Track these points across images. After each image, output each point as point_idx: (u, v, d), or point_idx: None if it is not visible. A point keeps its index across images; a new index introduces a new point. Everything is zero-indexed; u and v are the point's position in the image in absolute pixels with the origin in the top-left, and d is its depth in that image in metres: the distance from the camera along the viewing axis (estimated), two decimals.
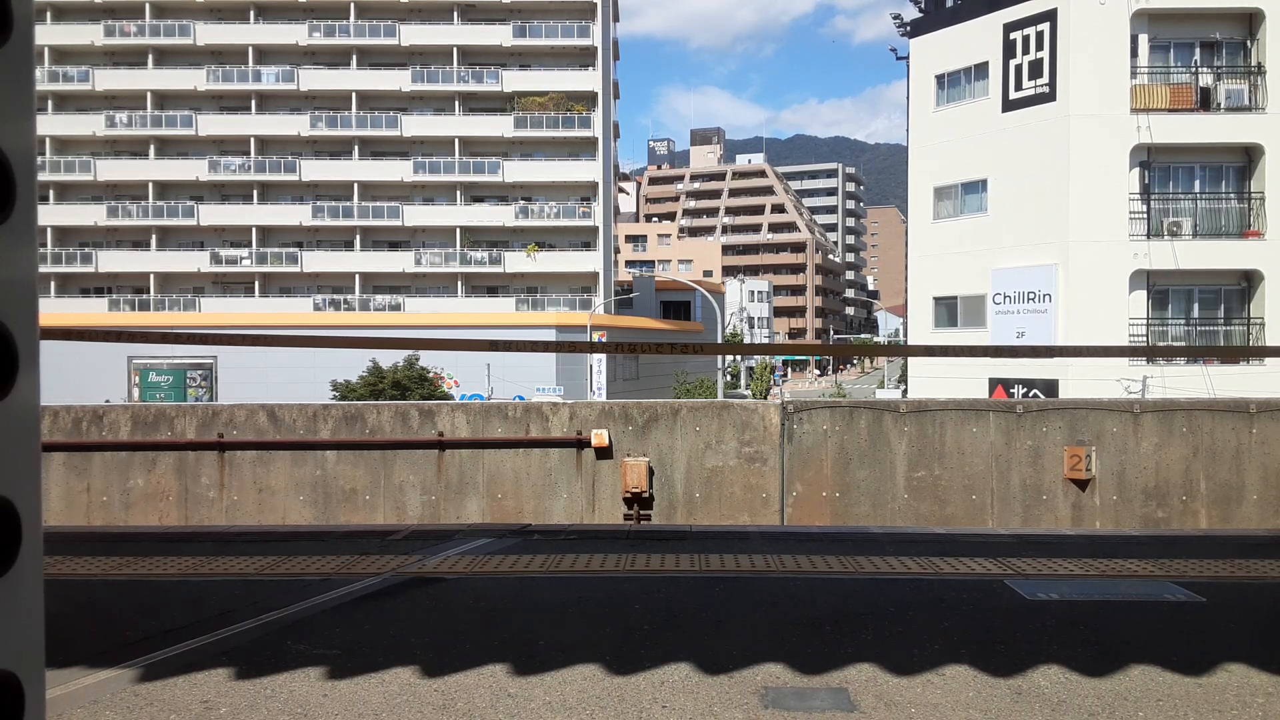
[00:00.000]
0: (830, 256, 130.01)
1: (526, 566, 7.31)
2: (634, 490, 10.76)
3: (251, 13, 55.36)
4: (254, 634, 5.55)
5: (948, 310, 29.33)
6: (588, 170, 55.23)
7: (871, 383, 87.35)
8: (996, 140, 27.92)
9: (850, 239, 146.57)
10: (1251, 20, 26.02)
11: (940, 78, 29.85)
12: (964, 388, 24.32)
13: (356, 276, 54.83)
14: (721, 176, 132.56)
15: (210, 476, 11.22)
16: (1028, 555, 7.63)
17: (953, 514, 10.82)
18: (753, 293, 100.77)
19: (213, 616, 5.93)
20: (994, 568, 7.16)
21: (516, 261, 54.87)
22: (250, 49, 54.97)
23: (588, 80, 55.53)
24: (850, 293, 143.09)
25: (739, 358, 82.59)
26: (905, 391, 36.72)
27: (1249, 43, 26.14)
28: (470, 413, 11.36)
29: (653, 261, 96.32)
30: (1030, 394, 25.65)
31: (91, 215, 54.27)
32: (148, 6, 55.20)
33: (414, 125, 55.33)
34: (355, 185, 55.14)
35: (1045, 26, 26.76)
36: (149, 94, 54.79)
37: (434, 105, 56.07)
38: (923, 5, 31.12)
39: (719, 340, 60.41)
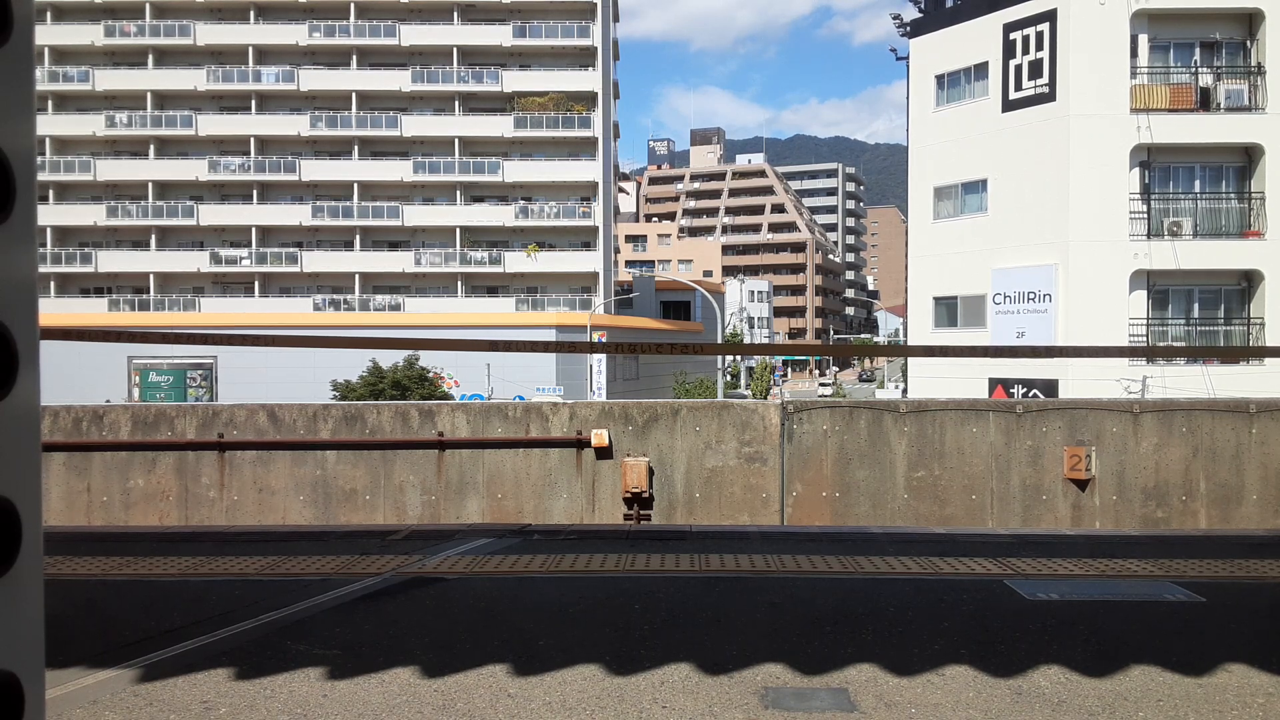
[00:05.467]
0: (830, 256, 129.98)
1: (526, 566, 7.31)
2: (634, 490, 10.76)
3: (251, 13, 55.35)
4: (254, 634, 5.55)
5: (948, 310, 29.32)
6: (588, 170, 55.23)
7: (871, 382, 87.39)
8: (996, 140, 27.91)
9: (850, 239, 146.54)
10: (1251, 20, 26.01)
11: (940, 78, 29.84)
12: (964, 388, 24.32)
13: (356, 276, 54.83)
14: (721, 176, 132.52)
15: (210, 476, 11.21)
16: (1028, 555, 7.63)
17: (953, 514, 10.81)
18: (753, 293, 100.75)
19: (213, 616, 5.93)
20: (994, 568, 7.15)
21: (516, 261, 54.87)
22: (250, 49, 54.98)
23: (588, 80, 55.52)
24: (850, 293, 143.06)
25: (739, 358, 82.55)
26: (905, 391, 36.71)
27: (1249, 43, 26.13)
28: (470, 413, 11.36)
29: (653, 261, 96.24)
30: (1030, 394, 25.63)
31: (91, 215, 54.28)
32: (148, 6, 55.20)
33: (414, 125, 55.32)
34: (355, 185, 55.15)
35: (1045, 26, 26.75)
36: (149, 94, 54.79)
37: (434, 105, 56.06)
38: (923, 5, 31.10)
39: (719, 340, 60.37)
